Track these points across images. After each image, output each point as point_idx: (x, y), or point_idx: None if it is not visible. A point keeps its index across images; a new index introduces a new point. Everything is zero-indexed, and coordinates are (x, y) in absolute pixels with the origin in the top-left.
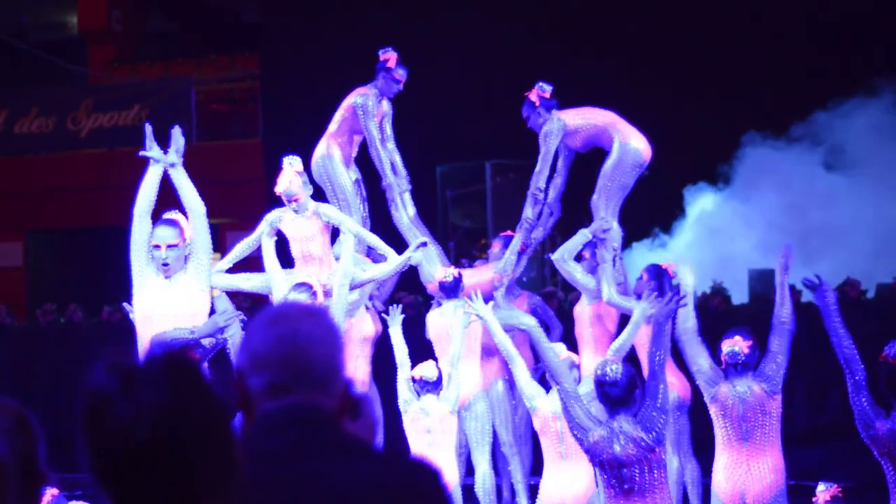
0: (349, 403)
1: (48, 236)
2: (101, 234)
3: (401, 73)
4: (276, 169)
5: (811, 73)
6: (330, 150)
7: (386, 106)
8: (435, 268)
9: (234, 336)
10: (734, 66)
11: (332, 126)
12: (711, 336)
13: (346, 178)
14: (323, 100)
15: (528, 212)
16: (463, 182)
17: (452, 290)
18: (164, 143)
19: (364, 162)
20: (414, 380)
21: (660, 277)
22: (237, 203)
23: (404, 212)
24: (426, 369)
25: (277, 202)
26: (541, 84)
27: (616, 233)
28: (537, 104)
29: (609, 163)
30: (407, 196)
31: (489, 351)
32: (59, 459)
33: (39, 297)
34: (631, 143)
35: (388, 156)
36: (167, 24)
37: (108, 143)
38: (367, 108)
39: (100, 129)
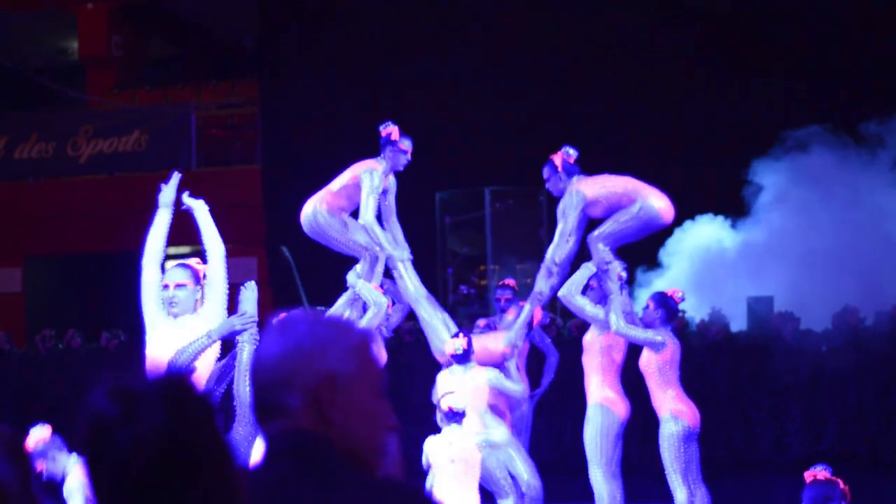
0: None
1: (47, 262)
2: (100, 259)
3: (406, 144)
4: (276, 195)
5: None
6: (316, 211)
7: (391, 181)
8: (443, 340)
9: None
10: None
11: (333, 186)
12: (711, 363)
13: (336, 222)
14: (322, 126)
15: (542, 284)
16: (462, 208)
17: (464, 358)
18: (165, 168)
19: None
20: (441, 409)
21: (665, 304)
22: (236, 229)
23: (409, 282)
24: (456, 400)
25: (277, 229)
26: (567, 149)
27: (618, 264)
28: (560, 168)
29: (626, 212)
30: (409, 266)
31: (498, 412)
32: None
33: (38, 322)
34: (653, 204)
35: (389, 230)
36: (167, 49)
37: (107, 169)
38: (373, 183)
39: (99, 155)
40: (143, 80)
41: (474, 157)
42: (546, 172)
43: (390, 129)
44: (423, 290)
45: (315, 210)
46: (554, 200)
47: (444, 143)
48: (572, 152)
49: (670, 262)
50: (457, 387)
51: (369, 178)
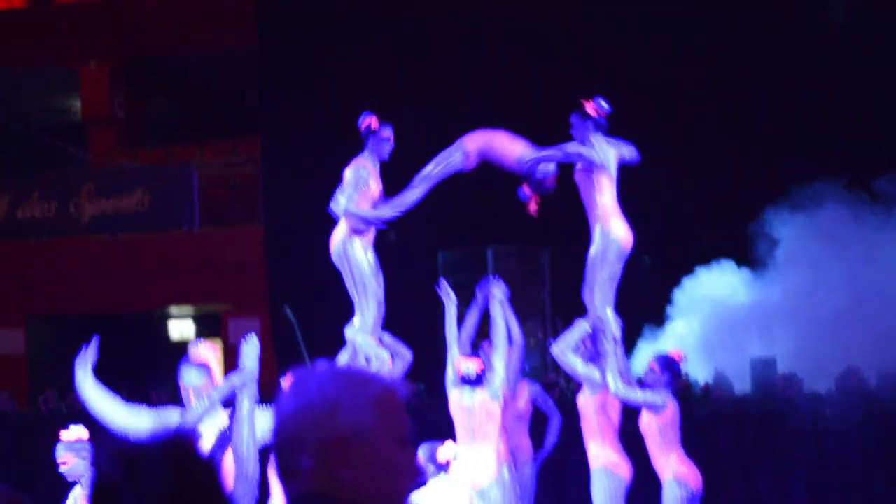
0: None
1: (50, 322)
2: (103, 320)
3: (387, 132)
4: (278, 255)
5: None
6: (351, 234)
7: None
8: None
9: (247, 395)
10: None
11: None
12: (714, 425)
13: (366, 262)
14: (324, 186)
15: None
16: (465, 269)
17: (476, 381)
18: (167, 227)
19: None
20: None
21: (670, 368)
22: (238, 289)
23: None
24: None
25: (279, 289)
26: (600, 101)
27: (614, 322)
28: (593, 115)
29: (593, 254)
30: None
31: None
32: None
33: (41, 383)
34: (612, 234)
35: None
36: (169, 108)
37: (110, 229)
38: (358, 174)
39: (102, 214)
40: (145, 138)
41: (476, 217)
42: (574, 119)
43: (369, 120)
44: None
45: (349, 237)
46: (557, 260)
47: (446, 204)
48: (605, 105)
49: (679, 316)
50: (466, 405)
51: (354, 171)
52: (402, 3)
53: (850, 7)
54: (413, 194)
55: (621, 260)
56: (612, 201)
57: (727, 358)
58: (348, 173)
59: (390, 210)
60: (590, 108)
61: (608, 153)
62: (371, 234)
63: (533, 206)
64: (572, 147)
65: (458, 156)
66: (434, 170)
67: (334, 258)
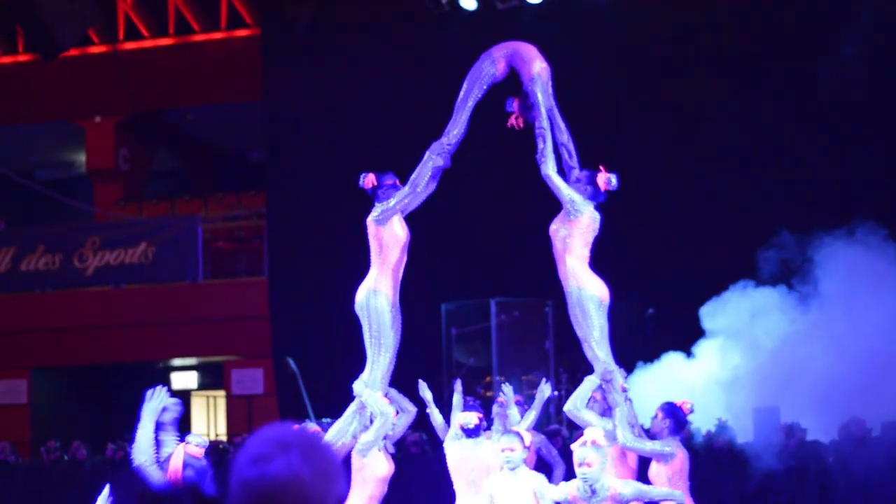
0: None
1: (53, 374)
2: (106, 371)
3: (390, 179)
4: (282, 307)
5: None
6: (378, 286)
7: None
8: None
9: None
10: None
11: (373, 258)
12: (717, 474)
13: (388, 314)
14: (328, 239)
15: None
16: (468, 320)
17: (473, 432)
18: (171, 280)
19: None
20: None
21: (674, 415)
22: (242, 341)
23: None
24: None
25: (282, 341)
26: (612, 177)
27: (620, 374)
28: (600, 188)
29: (576, 315)
30: None
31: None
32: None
33: (44, 434)
34: (585, 291)
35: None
36: (174, 162)
37: (114, 281)
38: (388, 204)
39: (106, 267)
40: (149, 192)
41: (480, 269)
42: (584, 177)
43: (368, 179)
44: None
45: (375, 288)
46: (560, 311)
47: (450, 255)
48: (615, 182)
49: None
50: (466, 457)
51: (382, 206)
52: (409, 68)
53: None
54: (460, 118)
55: (603, 312)
56: (582, 261)
57: (730, 408)
58: (377, 209)
59: (446, 140)
60: (602, 180)
61: (593, 216)
62: (396, 288)
63: (512, 121)
64: (565, 184)
65: (489, 65)
66: (474, 90)
67: (357, 308)
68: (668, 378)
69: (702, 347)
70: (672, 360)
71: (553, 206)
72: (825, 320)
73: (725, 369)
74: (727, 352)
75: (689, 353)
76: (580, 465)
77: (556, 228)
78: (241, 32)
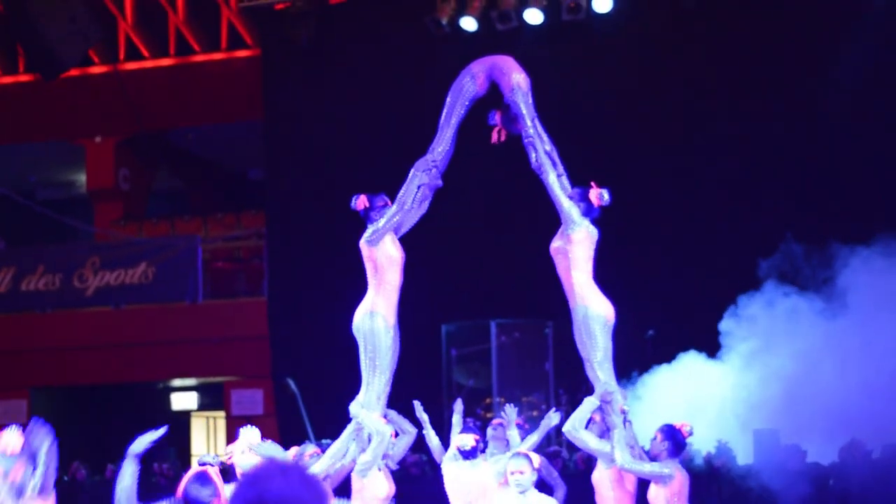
0: None
1: (53, 393)
2: (106, 391)
3: (381, 200)
4: (281, 327)
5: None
6: (375, 307)
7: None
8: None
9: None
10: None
11: (370, 279)
12: (717, 496)
13: (384, 337)
14: (328, 260)
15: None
16: (468, 341)
17: (470, 454)
18: (171, 300)
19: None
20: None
21: (673, 437)
22: (242, 361)
23: None
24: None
25: (282, 361)
26: (604, 192)
27: (620, 395)
28: (593, 204)
29: (580, 333)
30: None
31: None
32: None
33: None
34: (591, 310)
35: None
36: (174, 182)
37: (114, 301)
38: (374, 237)
39: (106, 287)
40: (149, 212)
41: (480, 290)
42: (576, 194)
43: (360, 201)
44: None
45: (372, 310)
46: (560, 332)
47: (450, 277)
48: (607, 197)
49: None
50: (462, 480)
51: (373, 227)
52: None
53: None
54: (445, 135)
55: (608, 332)
56: (588, 277)
57: (729, 430)
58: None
59: (430, 157)
60: (594, 195)
61: (590, 230)
62: (394, 309)
63: (495, 137)
64: (566, 197)
65: (469, 82)
66: (457, 108)
67: (354, 330)
68: (670, 395)
69: (706, 365)
70: (671, 377)
71: (553, 227)
72: (836, 339)
73: (729, 388)
74: (731, 370)
75: (690, 371)
76: None
77: (557, 246)
78: (242, 53)
